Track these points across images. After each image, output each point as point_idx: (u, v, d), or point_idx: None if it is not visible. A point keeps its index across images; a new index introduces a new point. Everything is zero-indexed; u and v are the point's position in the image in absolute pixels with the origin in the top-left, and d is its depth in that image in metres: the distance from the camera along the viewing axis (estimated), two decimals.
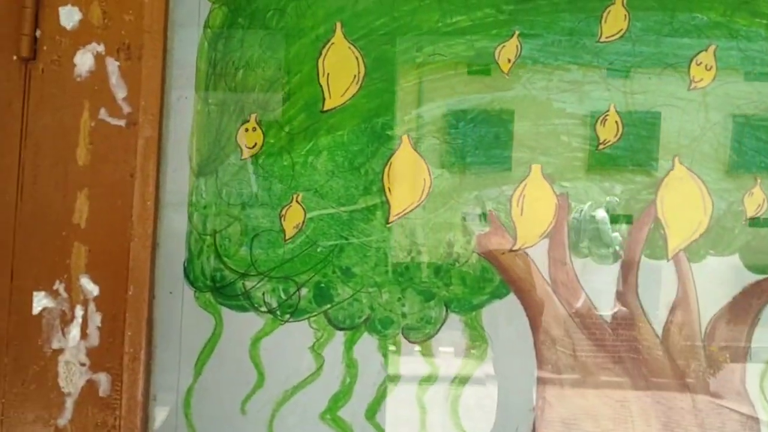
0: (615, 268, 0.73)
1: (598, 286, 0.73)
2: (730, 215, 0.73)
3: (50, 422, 0.60)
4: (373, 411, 0.73)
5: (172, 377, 0.72)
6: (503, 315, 0.73)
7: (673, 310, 0.73)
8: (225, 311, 0.73)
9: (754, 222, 0.72)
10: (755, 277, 0.73)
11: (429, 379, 0.73)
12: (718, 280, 0.73)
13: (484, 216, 0.74)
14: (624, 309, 0.72)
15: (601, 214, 0.73)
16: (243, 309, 0.73)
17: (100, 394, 0.61)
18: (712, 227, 0.73)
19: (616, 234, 0.73)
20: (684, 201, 0.73)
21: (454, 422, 0.73)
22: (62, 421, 0.60)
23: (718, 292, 0.73)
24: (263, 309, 0.73)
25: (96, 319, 0.60)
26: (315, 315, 0.73)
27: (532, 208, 0.73)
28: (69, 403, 0.61)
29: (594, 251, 0.73)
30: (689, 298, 0.73)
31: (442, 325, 0.74)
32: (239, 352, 0.73)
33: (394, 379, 0.73)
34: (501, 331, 0.73)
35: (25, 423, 0.60)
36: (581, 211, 0.72)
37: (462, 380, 0.73)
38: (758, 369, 0.73)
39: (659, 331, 0.73)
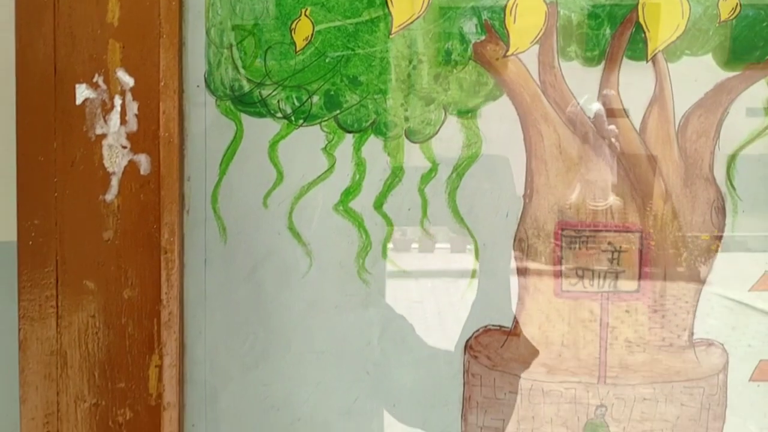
0: (599, 70, 0.80)
1: (583, 86, 0.81)
2: (706, 18, 0.80)
3: (98, 198, 0.68)
4: (380, 202, 0.82)
5: (200, 176, 0.80)
6: (496, 115, 0.81)
7: (650, 106, 0.81)
8: (244, 117, 0.81)
9: (727, 24, 0.79)
10: (726, 75, 0.80)
11: (429, 174, 0.82)
12: (693, 78, 0.80)
13: (480, 25, 0.80)
14: (605, 106, 0.80)
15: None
16: (260, 115, 0.81)
17: (141, 172, 0.69)
18: (688, 29, 0.80)
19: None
20: (664, 5, 0.79)
21: (451, 209, 0.81)
22: (110, 197, 0.69)
23: (691, 89, 0.81)
24: (279, 115, 0.81)
25: (133, 107, 0.68)
26: (326, 120, 0.81)
27: (524, 16, 0.80)
28: (114, 181, 0.69)
29: (580, 54, 0.80)
30: (665, 95, 0.80)
31: (441, 126, 0.81)
32: (259, 154, 0.81)
33: (398, 174, 0.81)
34: (494, 129, 0.81)
35: (76, 200, 0.68)
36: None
37: (459, 174, 0.81)
38: (725, 158, 0.81)
39: (637, 126, 0.81)
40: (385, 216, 0.81)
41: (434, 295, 0.84)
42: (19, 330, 0.69)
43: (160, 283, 0.69)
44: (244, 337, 0.82)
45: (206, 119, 0.80)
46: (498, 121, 0.81)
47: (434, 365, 0.83)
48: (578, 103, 0.80)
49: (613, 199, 0.81)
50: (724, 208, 0.81)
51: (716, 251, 0.81)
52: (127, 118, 0.68)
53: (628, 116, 0.80)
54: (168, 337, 0.70)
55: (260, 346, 0.82)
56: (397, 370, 0.83)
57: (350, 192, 0.81)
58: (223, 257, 0.81)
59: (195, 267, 0.80)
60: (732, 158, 0.81)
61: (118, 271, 0.69)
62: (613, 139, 0.80)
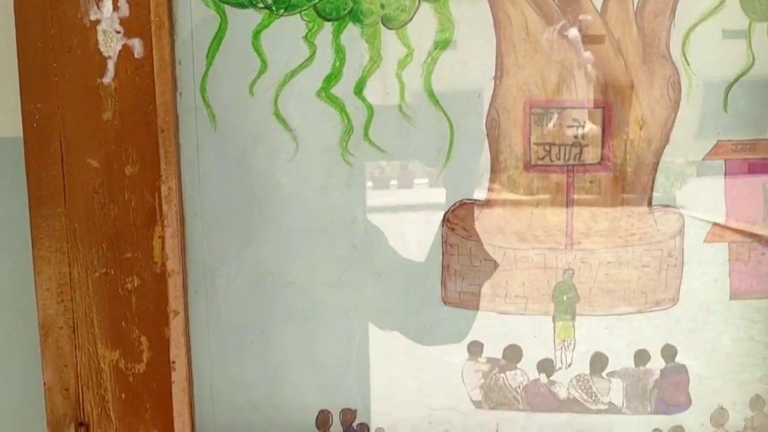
0: None
1: None
2: None
3: (96, 81, 0.73)
4: (360, 88, 0.87)
5: (189, 63, 0.85)
6: (467, 0, 0.86)
7: None
8: (228, 8, 0.85)
9: None
10: None
11: (406, 59, 0.87)
12: None
13: None
14: None
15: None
16: (242, 6, 0.85)
17: (135, 56, 0.74)
18: None
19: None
20: None
21: (427, 92, 0.87)
22: (107, 80, 0.74)
23: None
24: (260, 5, 0.85)
25: None
26: (305, 9, 0.86)
27: None
28: (110, 65, 0.74)
29: None
30: None
31: (415, 12, 0.86)
32: (243, 44, 0.86)
33: (376, 60, 0.86)
34: (465, 14, 0.86)
35: (75, 83, 0.73)
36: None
37: (434, 58, 0.87)
38: (680, 36, 0.87)
39: (599, 7, 0.86)
40: (364, 100, 0.87)
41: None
42: (30, 207, 0.75)
43: (158, 160, 0.74)
44: (238, 217, 0.88)
45: (191, 10, 0.84)
46: (469, 5, 0.86)
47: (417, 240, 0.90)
48: None
49: (578, 78, 0.87)
50: (679, 83, 0.87)
51: (673, 124, 0.88)
52: (119, 3, 0.72)
53: (592, 3, 0.86)
54: (169, 210, 0.76)
55: (253, 225, 0.88)
56: (383, 244, 0.90)
57: (331, 78, 0.86)
58: (214, 144, 0.87)
59: (189, 153, 0.86)
60: (686, 36, 0.87)
61: (119, 150, 0.75)
62: (577, 21, 0.86)
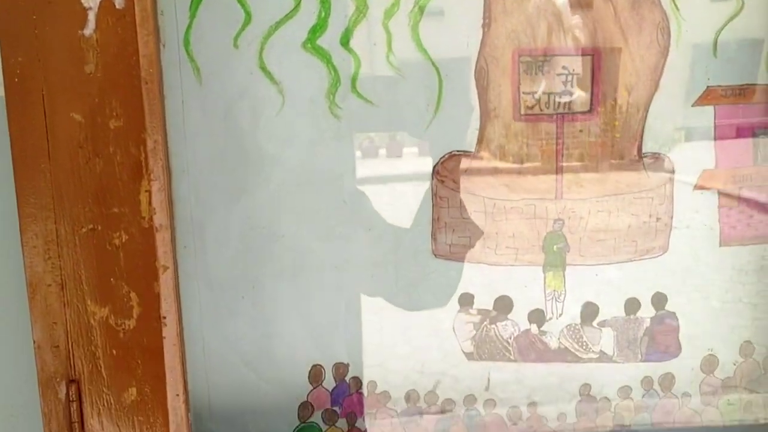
0: None
1: None
2: None
3: (77, 33, 0.72)
4: (346, 38, 0.86)
5: (172, 15, 0.83)
6: None
7: None
8: None
9: None
10: None
11: (392, 9, 0.86)
12: None
13: None
14: None
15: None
16: None
17: (117, 6, 0.72)
18: None
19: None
20: None
21: (415, 42, 0.86)
22: (88, 32, 0.72)
23: None
24: None
25: None
26: None
27: None
28: (91, 16, 0.73)
29: None
30: None
31: None
32: None
33: (362, 10, 0.85)
34: None
35: (56, 35, 0.71)
36: None
37: (421, 7, 0.85)
38: None
39: None
40: (351, 51, 0.86)
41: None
42: (14, 164, 0.74)
43: (143, 113, 0.73)
44: (226, 173, 0.87)
45: None
46: None
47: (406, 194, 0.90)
48: None
49: (566, 25, 0.85)
50: (668, 29, 0.86)
51: (662, 70, 0.87)
52: None
53: None
54: (155, 163, 0.75)
55: (241, 179, 0.87)
56: (371, 198, 0.89)
57: (317, 29, 0.85)
58: (200, 98, 0.86)
59: (174, 108, 0.85)
60: None
61: (103, 103, 0.73)
62: None
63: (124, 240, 0.75)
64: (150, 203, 0.74)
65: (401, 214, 0.88)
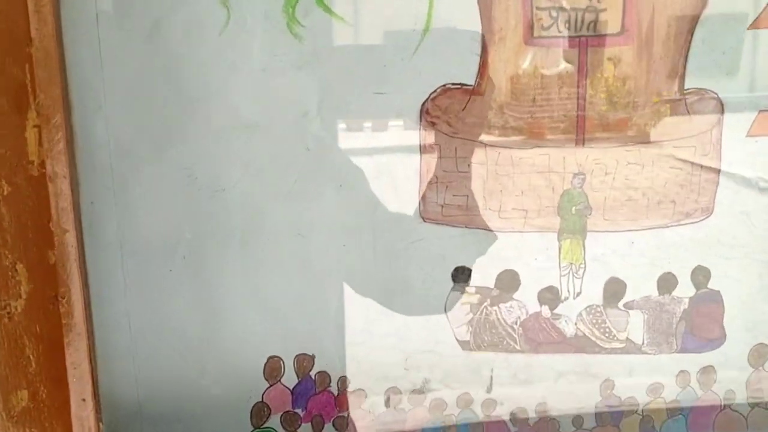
0: None
1: None
2: None
3: None
4: None
5: None
6: None
7: None
8: None
9: None
10: None
11: None
12: None
13: None
14: None
15: None
16: None
17: None
18: None
19: None
20: None
21: None
22: None
23: None
24: None
25: None
26: None
27: None
28: None
29: None
30: None
31: None
32: None
33: None
34: None
35: None
36: None
37: None
38: None
39: None
40: None
41: None
42: None
43: (26, 14, 0.52)
44: (154, 111, 0.67)
45: None
46: None
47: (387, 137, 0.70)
48: None
49: None
50: None
51: None
52: None
53: None
54: (48, 88, 0.54)
55: (174, 121, 0.67)
56: (343, 145, 0.69)
57: None
58: (119, 12, 0.65)
59: (84, 23, 0.64)
60: None
61: None
62: None
63: (6, 192, 0.54)
64: (40, 143, 0.54)
65: (381, 166, 0.69)
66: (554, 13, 0.68)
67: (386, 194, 0.71)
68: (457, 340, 0.74)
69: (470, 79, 0.69)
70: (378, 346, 0.74)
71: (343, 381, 0.74)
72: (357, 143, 0.70)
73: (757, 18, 0.70)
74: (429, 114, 0.70)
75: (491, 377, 0.74)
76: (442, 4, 0.68)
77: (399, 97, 0.70)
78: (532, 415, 0.75)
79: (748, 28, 0.70)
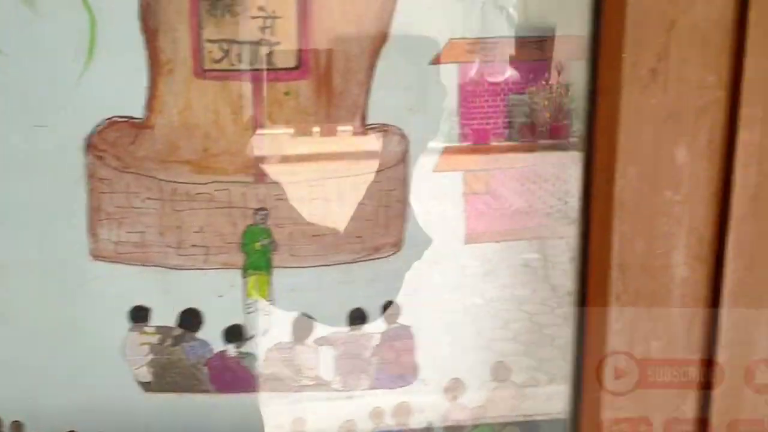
0: None
1: None
2: None
3: None
4: None
5: None
6: None
7: None
8: None
9: None
10: None
11: None
12: None
13: None
14: None
15: None
16: None
17: None
18: None
19: None
20: None
21: None
22: None
23: None
24: None
25: None
26: None
27: None
28: None
29: None
30: None
31: None
32: None
33: None
34: None
35: None
36: None
37: None
38: None
39: None
40: None
41: None
42: None
43: None
44: None
45: None
46: None
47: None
48: None
49: None
50: None
51: (391, 14, 0.67)
52: None
53: None
54: None
55: None
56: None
57: None
58: None
59: None
60: None
61: None
62: None
63: None
64: None
65: (47, 202, 0.65)
66: (225, 46, 0.66)
67: (50, 229, 0.67)
68: (138, 381, 0.71)
69: (138, 112, 0.66)
70: (54, 387, 0.70)
71: (17, 426, 0.70)
72: (22, 180, 0.66)
73: (438, 54, 0.69)
74: (96, 148, 0.66)
75: (173, 420, 0.71)
76: (105, 33, 0.64)
77: (62, 129, 0.65)
78: None
79: (429, 64, 0.69)
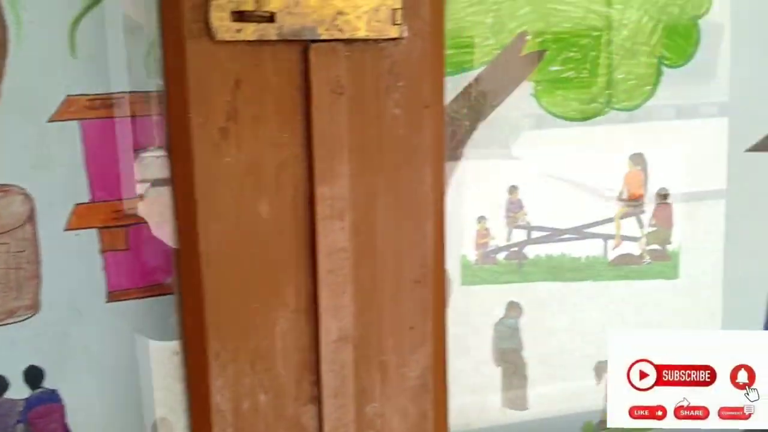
0: None
1: None
2: None
3: None
4: None
5: None
6: None
7: None
8: None
9: None
10: None
11: None
12: None
13: None
14: None
15: None
16: None
17: None
18: None
19: None
20: None
21: None
22: None
23: None
24: None
25: None
26: None
27: None
28: None
29: None
30: None
31: None
32: None
33: None
34: None
35: None
36: None
37: None
38: None
39: None
40: None
41: None
42: None
43: None
44: None
45: None
46: None
47: None
48: None
49: None
50: (3, 18, 0.63)
51: (2, 73, 0.64)
52: None
53: None
54: None
55: None
56: None
57: None
58: None
59: None
60: None
61: None
62: None
63: None
64: None
65: None
66: None
67: None
68: None
69: None
70: None
71: None
72: None
73: (57, 111, 0.66)
74: None
75: None
76: None
77: None
78: None
79: (48, 121, 0.67)
